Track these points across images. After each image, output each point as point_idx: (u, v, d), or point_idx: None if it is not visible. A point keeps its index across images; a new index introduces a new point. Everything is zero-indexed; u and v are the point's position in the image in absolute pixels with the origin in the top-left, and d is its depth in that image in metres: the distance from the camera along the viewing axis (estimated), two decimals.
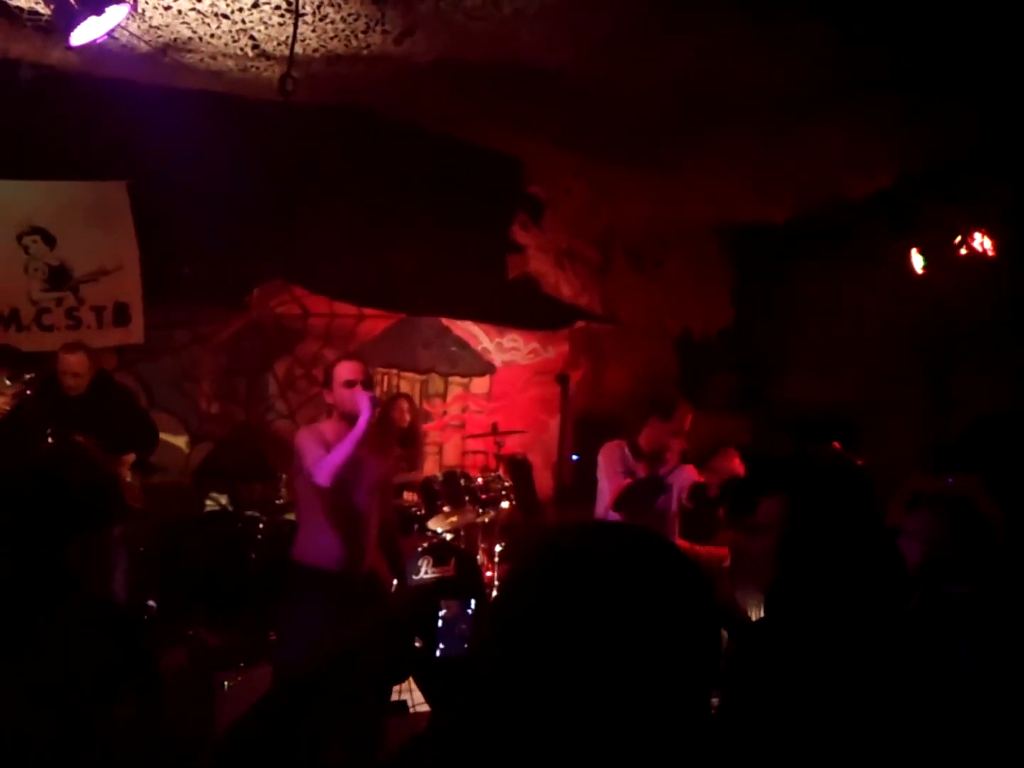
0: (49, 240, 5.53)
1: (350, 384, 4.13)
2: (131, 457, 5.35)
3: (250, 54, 5.03)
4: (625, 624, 0.89)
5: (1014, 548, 2.47)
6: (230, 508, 6.55)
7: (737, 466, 5.53)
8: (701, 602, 0.93)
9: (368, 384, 4.24)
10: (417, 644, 1.43)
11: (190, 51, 4.99)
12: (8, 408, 4.71)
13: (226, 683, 4.57)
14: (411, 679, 1.64)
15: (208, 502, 6.57)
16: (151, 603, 5.36)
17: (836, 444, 5.68)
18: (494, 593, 6.02)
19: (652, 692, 0.88)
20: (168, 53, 4.99)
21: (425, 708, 3.80)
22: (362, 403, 4.05)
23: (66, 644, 1.94)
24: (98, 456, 5.09)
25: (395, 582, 5.14)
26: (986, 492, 2.50)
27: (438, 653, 1.42)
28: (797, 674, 1.79)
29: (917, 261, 6.45)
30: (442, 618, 1.45)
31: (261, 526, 6.17)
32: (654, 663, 0.89)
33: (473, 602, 1.49)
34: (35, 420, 4.93)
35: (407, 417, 6.86)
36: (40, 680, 1.88)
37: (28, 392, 4.68)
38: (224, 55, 5.05)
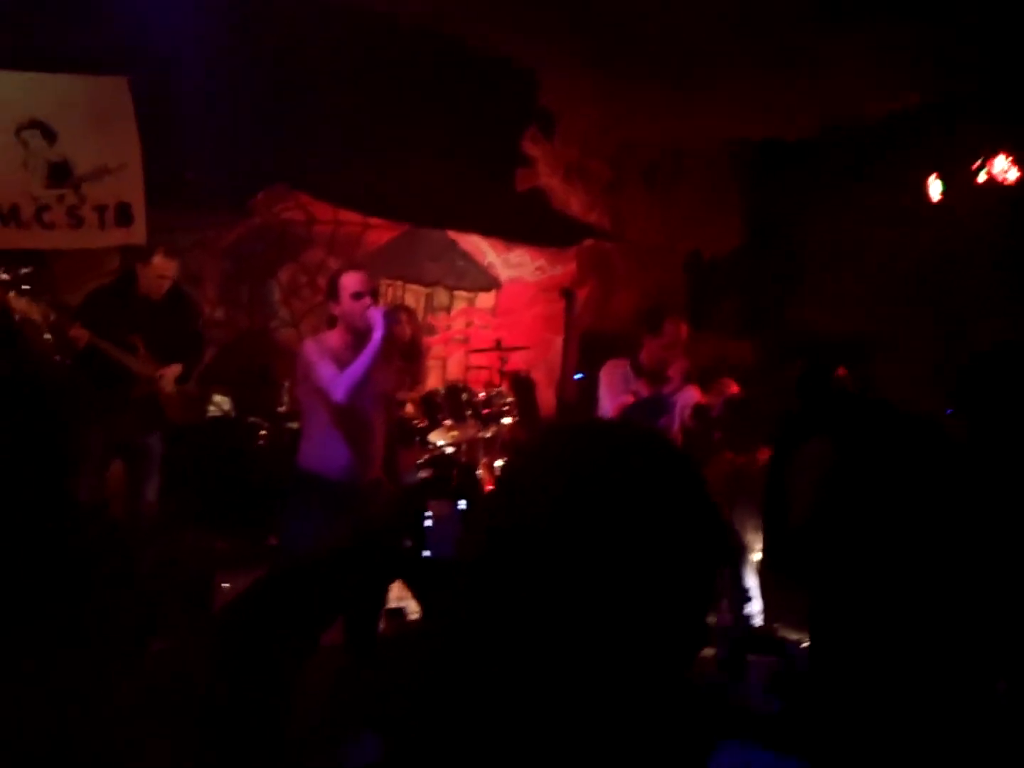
0: (49, 135, 5.42)
1: (358, 296, 4.09)
2: (177, 369, 5.35)
3: None
4: (629, 525, 0.86)
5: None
6: (233, 414, 6.58)
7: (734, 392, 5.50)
8: (706, 512, 0.90)
9: (376, 295, 4.21)
10: (407, 544, 1.42)
11: None
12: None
13: (226, 585, 4.65)
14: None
15: (211, 407, 6.59)
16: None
17: (842, 370, 5.65)
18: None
19: (653, 600, 0.86)
20: None
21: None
22: (376, 319, 4.02)
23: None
24: (146, 362, 5.19)
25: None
26: None
27: (426, 554, 1.41)
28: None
29: (935, 187, 6.32)
30: (431, 519, 1.44)
31: (263, 433, 6.20)
32: (657, 569, 0.86)
33: (463, 503, 1.48)
34: (106, 318, 4.98)
35: (407, 330, 6.83)
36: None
37: (25, 288, 4.65)
38: None
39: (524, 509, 0.90)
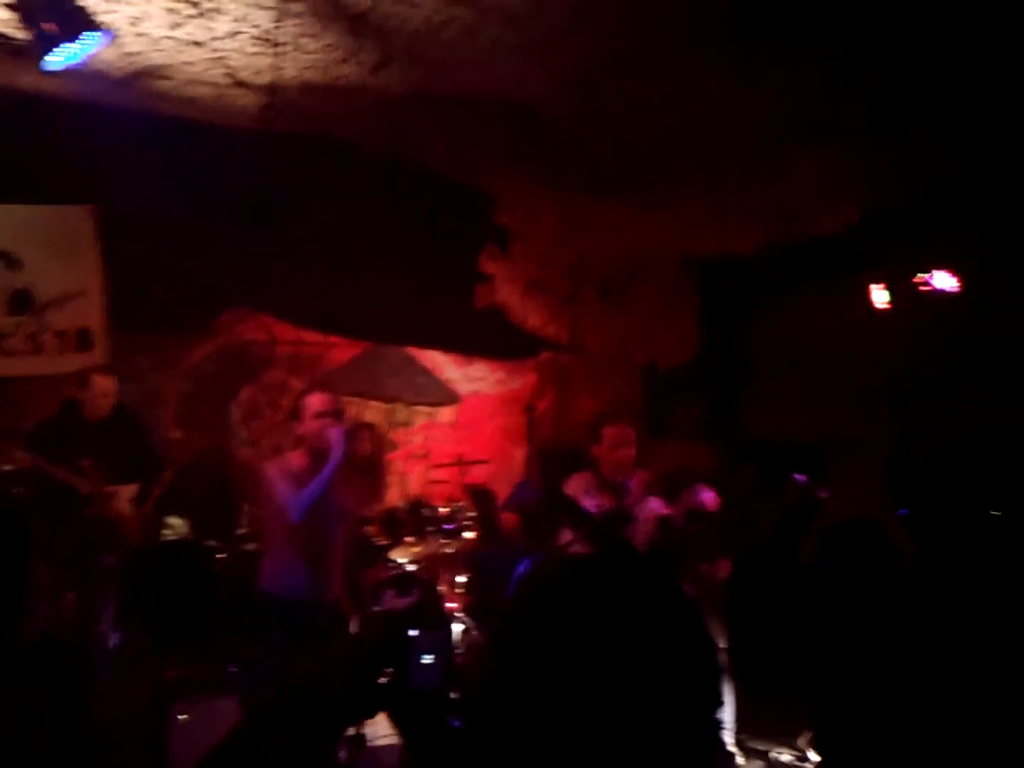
0: (12, 264, 5.46)
1: (321, 416, 4.12)
2: (133, 488, 5.36)
3: (225, 82, 5.03)
4: (623, 654, 0.88)
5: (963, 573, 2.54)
6: (190, 537, 6.43)
7: (709, 500, 5.53)
8: (698, 630, 0.92)
9: (339, 416, 4.23)
10: (384, 679, 1.41)
11: (164, 78, 4.98)
12: None
13: (182, 716, 4.47)
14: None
15: (166, 531, 6.45)
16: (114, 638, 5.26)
17: (801, 476, 5.72)
18: (456, 625, 5.93)
19: (652, 721, 0.87)
20: (142, 79, 4.98)
21: (384, 742, 3.75)
22: (335, 439, 4.05)
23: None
24: (100, 485, 5.17)
25: (355, 613, 5.08)
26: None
27: (411, 685, 1.40)
28: None
29: (880, 296, 6.56)
30: (412, 649, 1.43)
31: (221, 556, 6.07)
32: (652, 693, 0.88)
33: (443, 632, 1.48)
34: (54, 446, 5.02)
35: (368, 447, 6.81)
36: None
37: None
38: (199, 82, 5.04)
39: (535, 656, 0.91)
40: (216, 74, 4.91)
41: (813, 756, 5.04)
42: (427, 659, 1.45)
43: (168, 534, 6.38)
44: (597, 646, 0.88)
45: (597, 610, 0.90)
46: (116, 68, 4.80)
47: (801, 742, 5.19)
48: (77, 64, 3.97)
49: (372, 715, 1.47)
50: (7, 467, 4.82)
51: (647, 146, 5.70)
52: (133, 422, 5.68)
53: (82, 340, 5.66)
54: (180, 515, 6.48)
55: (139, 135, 5.32)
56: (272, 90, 4.67)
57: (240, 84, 5.03)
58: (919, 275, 6.25)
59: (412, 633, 1.48)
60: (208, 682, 4.92)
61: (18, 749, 1.80)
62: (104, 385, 5.31)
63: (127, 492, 5.34)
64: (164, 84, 5.06)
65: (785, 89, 4.79)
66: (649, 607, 0.93)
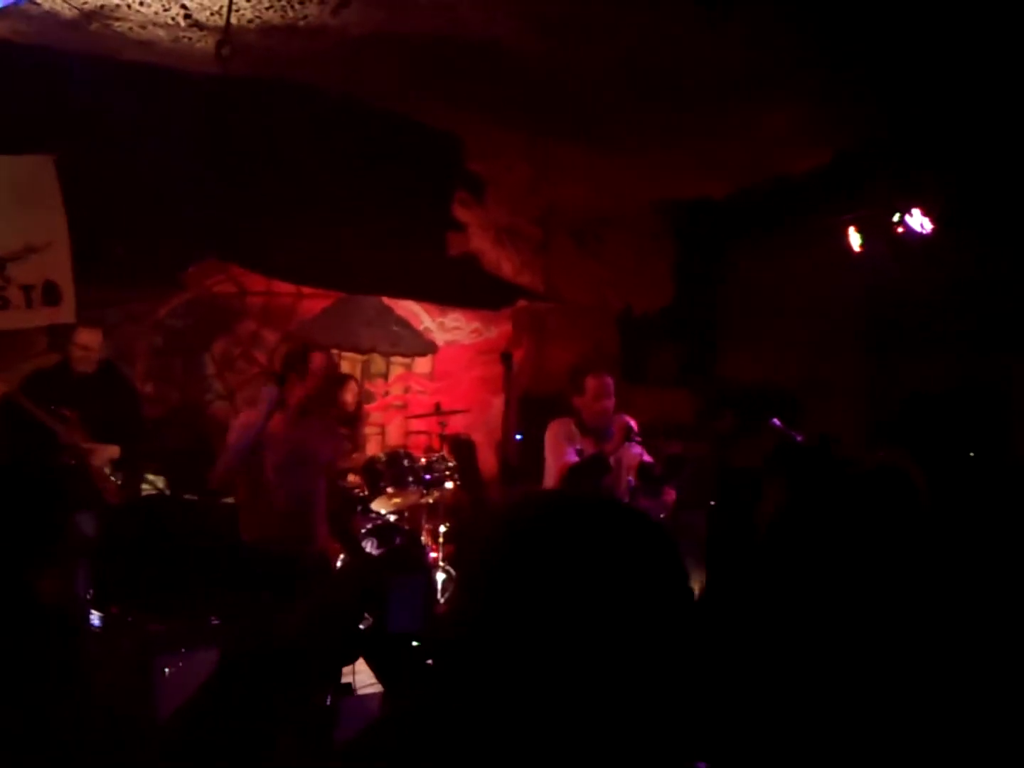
0: None
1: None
2: (114, 450, 5.33)
3: (182, 24, 4.89)
4: (599, 592, 0.86)
5: (941, 516, 2.56)
6: (167, 491, 6.41)
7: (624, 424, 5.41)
8: (671, 562, 0.90)
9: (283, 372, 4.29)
10: (363, 625, 1.39)
11: (118, 19, 4.83)
12: None
13: (167, 669, 4.48)
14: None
15: (144, 486, 6.42)
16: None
17: (776, 420, 5.75)
18: (440, 574, 5.97)
19: (631, 662, 0.85)
20: (95, 20, 4.82)
21: (371, 690, 3.78)
22: (264, 393, 4.13)
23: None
24: (76, 433, 5.16)
25: (340, 557, 5.09)
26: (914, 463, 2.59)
27: (389, 629, 1.38)
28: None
29: (854, 238, 6.54)
30: (392, 594, 1.41)
31: (199, 509, 6.06)
32: (630, 631, 0.86)
33: (422, 576, 1.46)
34: (43, 394, 5.06)
35: (352, 398, 6.79)
36: None
37: None
38: (154, 24, 4.90)
39: (506, 594, 0.88)
40: (172, 15, 4.78)
41: None
42: (404, 603, 1.43)
43: (147, 489, 6.37)
44: (577, 588, 0.86)
45: (575, 550, 0.87)
46: (67, 9, 4.64)
47: None
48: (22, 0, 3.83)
49: (351, 662, 1.45)
50: None
51: (613, 91, 5.62)
52: (122, 384, 5.71)
53: (49, 294, 5.55)
54: (156, 470, 6.47)
55: (98, 81, 5.17)
56: (226, 26, 4.54)
57: (198, 26, 4.89)
58: (893, 215, 6.22)
59: (392, 578, 1.45)
60: (191, 635, 4.94)
61: (18, 703, 1.79)
62: (86, 340, 5.33)
63: (107, 452, 5.30)
64: (119, 26, 4.91)
65: (751, 35, 4.73)
66: (628, 547, 0.90)
